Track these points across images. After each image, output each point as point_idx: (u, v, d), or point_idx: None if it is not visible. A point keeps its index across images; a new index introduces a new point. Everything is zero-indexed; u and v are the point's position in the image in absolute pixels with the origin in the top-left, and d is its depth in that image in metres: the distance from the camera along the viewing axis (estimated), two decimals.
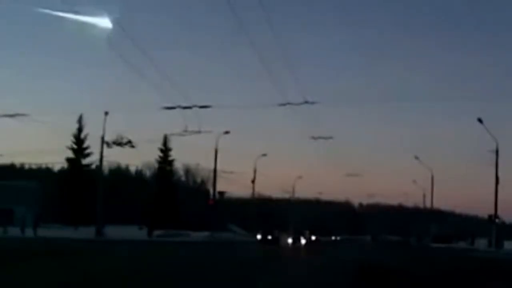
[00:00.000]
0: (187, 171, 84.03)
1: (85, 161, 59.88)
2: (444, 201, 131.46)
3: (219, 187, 54.80)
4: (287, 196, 76.15)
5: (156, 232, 45.62)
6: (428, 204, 60.05)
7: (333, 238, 77.89)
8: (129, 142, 37.47)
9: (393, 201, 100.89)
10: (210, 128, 37.08)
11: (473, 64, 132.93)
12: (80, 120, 59.64)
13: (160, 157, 68.58)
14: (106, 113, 37.05)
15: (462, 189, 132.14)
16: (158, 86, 34.62)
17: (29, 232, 34.59)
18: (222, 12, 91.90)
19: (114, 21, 17.39)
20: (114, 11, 17.42)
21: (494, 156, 39.93)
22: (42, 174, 70.01)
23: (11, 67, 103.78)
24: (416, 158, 55.93)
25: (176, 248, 27.11)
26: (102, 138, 37.55)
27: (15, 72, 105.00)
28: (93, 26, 17.23)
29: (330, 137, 36.69)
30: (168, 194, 65.47)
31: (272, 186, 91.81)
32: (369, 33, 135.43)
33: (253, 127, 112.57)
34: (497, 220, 41.38)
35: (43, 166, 74.59)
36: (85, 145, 59.99)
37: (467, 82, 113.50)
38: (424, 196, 60.71)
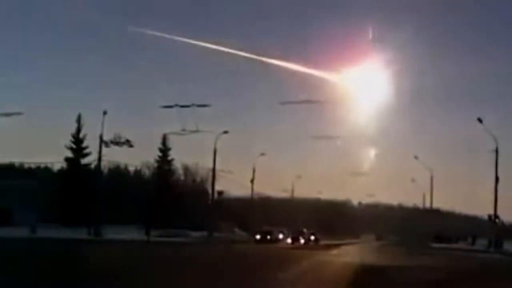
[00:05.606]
0: (186, 170, 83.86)
1: (84, 160, 59.76)
2: (443, 201, 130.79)
3: (218, 187, 54.74)
4: (286, 195, 76.13)
5: (154, 232, 45.39)
6: (427, 204, 60.02)
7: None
8: (127, 141, 37.47)
9: (393, 201, 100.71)
10: (209, 127, 37.12)
11: (473, 63, 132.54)
12: (78, 120, 59.63)
13: (159, 156, 68.52)
14: (105, 113, 36.97)
15: (462, 189, 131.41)
16: (156, 85, 34.45)
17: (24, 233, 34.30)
18: (220, 10, 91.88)
19: (113, 22, 17.26)
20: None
21: (494, 156, 39.91)
22: (41, 173, 69.80)
23: (11, 66, 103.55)
24: (416, 157, 55.87)
25: (159, 249, 26.21)
26: (101, 137, 37.47)
27: (14, 71, 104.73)
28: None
29: (332, 137, 36.70)
30: (167, 194, 65.32)
31: (272, 186, 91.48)
32: (368, 31, 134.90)
33: (252, 126, 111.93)
34: (497, 220, 41.33)
35: (42, 165, 74.48)
36: (84, 144, 59.88)
37: (467, 82, 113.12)
38: (423, 196, 60.64)
